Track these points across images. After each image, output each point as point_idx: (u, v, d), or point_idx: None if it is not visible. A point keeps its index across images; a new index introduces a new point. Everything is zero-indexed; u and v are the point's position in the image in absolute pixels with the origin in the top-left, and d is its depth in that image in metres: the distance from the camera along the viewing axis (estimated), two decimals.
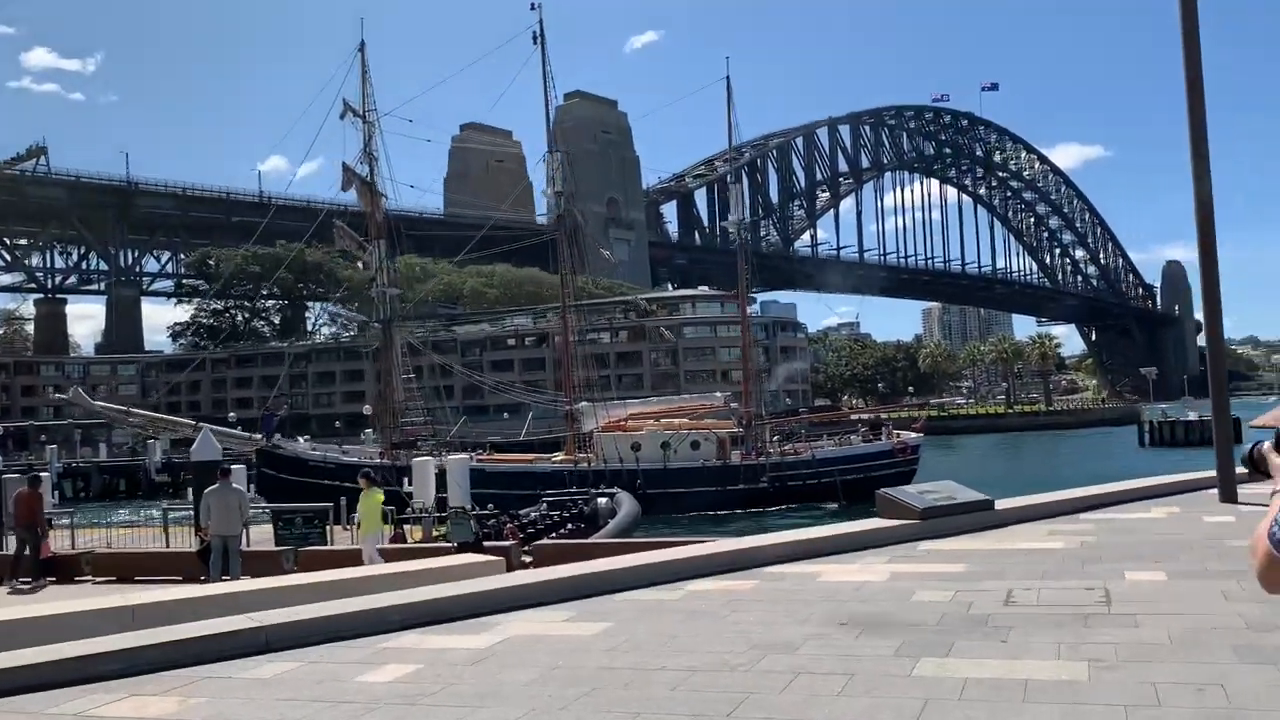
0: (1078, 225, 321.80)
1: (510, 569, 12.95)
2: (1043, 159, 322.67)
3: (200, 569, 16.27)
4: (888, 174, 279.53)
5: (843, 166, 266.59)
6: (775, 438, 54.67)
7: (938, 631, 6.65)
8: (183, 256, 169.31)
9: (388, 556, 16.27)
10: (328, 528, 21.67)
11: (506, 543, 15.95)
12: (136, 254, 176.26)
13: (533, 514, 24.35)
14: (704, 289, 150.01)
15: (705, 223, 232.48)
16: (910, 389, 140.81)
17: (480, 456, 50.89)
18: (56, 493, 57.70)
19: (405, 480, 28.22)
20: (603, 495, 27.05)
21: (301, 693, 6.08)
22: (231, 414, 76.63)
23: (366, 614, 7.85)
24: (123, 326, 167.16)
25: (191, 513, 23.25)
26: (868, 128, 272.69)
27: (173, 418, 55.79)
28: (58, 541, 20.25)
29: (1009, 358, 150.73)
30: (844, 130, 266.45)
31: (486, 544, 15.57)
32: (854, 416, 77.05)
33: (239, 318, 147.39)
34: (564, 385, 56.06)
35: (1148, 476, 14.60)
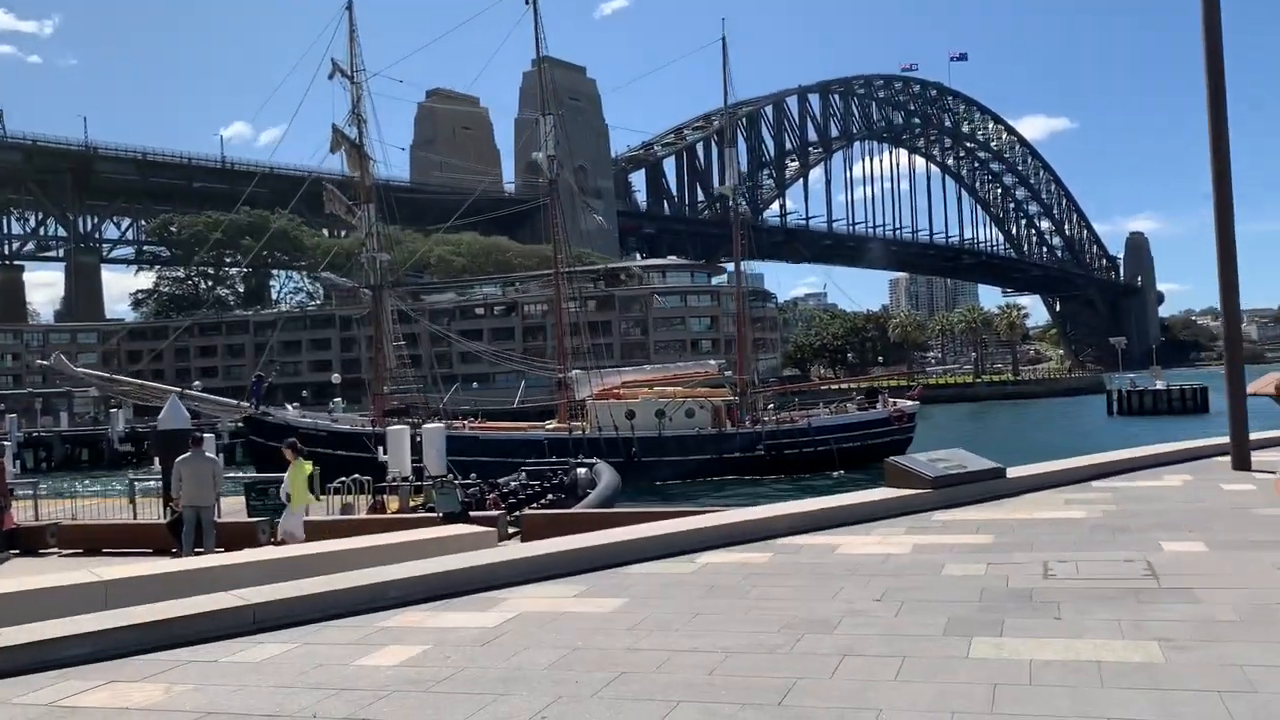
0: (1044, 196, 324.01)
1: (499, 540, 12.45)
2: (1010, 130, 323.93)
3: (171, 541, 15.65)
4: (857, 144, 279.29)
5: (812, 136, 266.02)
6: (770, 406, 54.50)
7: (982, 608, 6.21)
8: (144, 223, 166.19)
9: (367, 527, 15.68)
10: None
11: (493, 512, 15.44)
12: (96, 220, 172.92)
13: (512, 483, 23.84)
14: (673, 258, 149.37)
15: (674, 192, 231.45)
16: (880, 359, 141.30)
17: (473, 424, 50.47)
18: (18, 463, 56.47)
19: (380, 449, 27.52)
20: (582, 465, 26.57)
21: (298, 679, 5.54)
22: (196, 382, 75.24)
23: (362, 590, 7.31)
24: (83, 294, 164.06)
25: (160, 483, 22.57)
26: (837, 97, 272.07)
27: (158, 384, 54.66)
28: (21, 513, 19.50)
29: (978, 327, 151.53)
30: (814, 99, 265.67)
31: (472, 514, 15.05)
32: (848, 385, 76.97)
33: (202, 285, 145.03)
34: (557, 353, 55.60)
35: (1151, 444, 14.29)
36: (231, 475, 22.91)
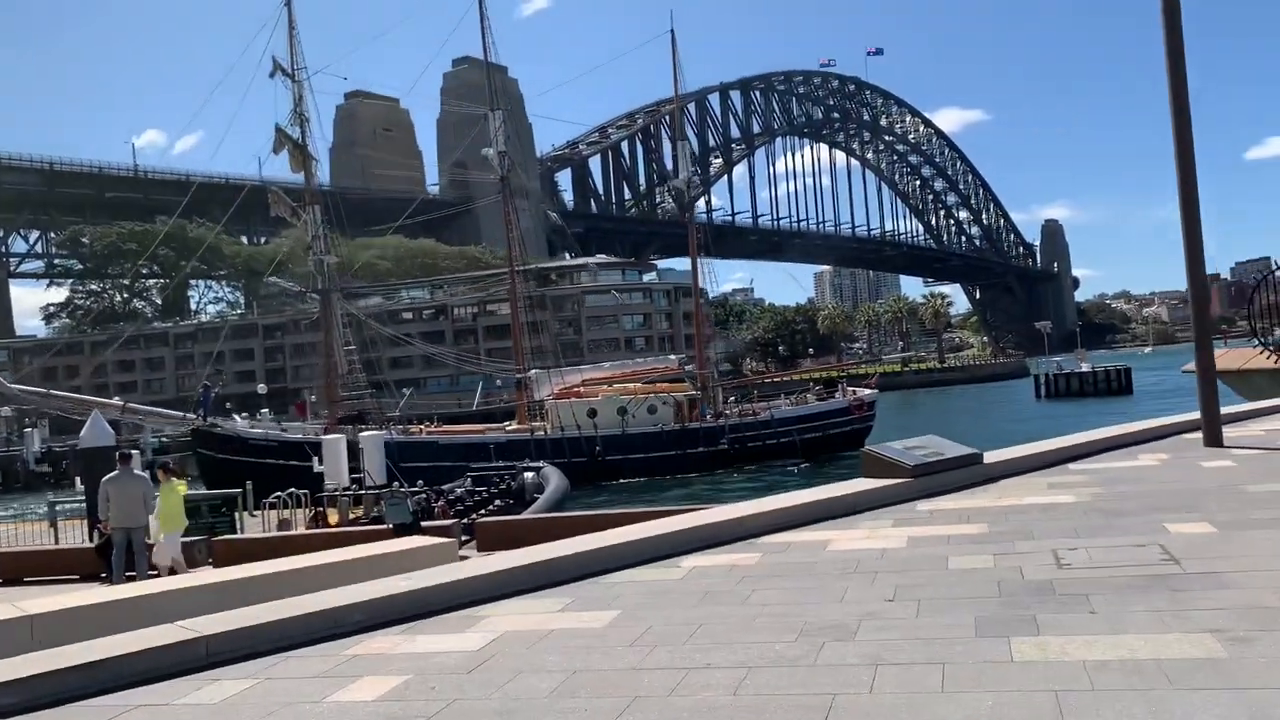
0: (961, 187, 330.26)
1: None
2: (927, 122, 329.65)
3: (100, 566, 14.69)
4: (779, 139, 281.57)
5: (735, 133, 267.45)
6: (730, 399, 54.30)
7: (1006, 604, 5.79)
8: (53, 235, 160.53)
9: (312, 544, 14.88)
10: (237, 515, 20.14)
11: (445, 522, 14.75)
12: (1, 233, 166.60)
13: (458, 490, 23.11)
14: (601, 257, 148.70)
15: (600, 191, 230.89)
16: (810, 350, 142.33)
17: (431, 429, 49.42)
18: None
19: (315, 459, 26.54)
20: (529, 469, 25.93)
21: None
22: (116, 398, 72.64)
23: (323, 615, 6.65)
24: None
25: (83, 504, 21.42)
26: (758, 93, 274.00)
27: (99, 399, 52.45)
28: None
29: (904, 317, 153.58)
30: (735, 96, 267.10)
31: (423, 524, 14.35)
32: (807, 376, 77.21)
33: (118, 298, 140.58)
34: (514, 352, 54.75)
35: (1117, 425, 14.13)
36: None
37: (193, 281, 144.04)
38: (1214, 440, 11.52)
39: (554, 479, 25.52)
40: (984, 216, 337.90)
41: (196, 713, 5.18)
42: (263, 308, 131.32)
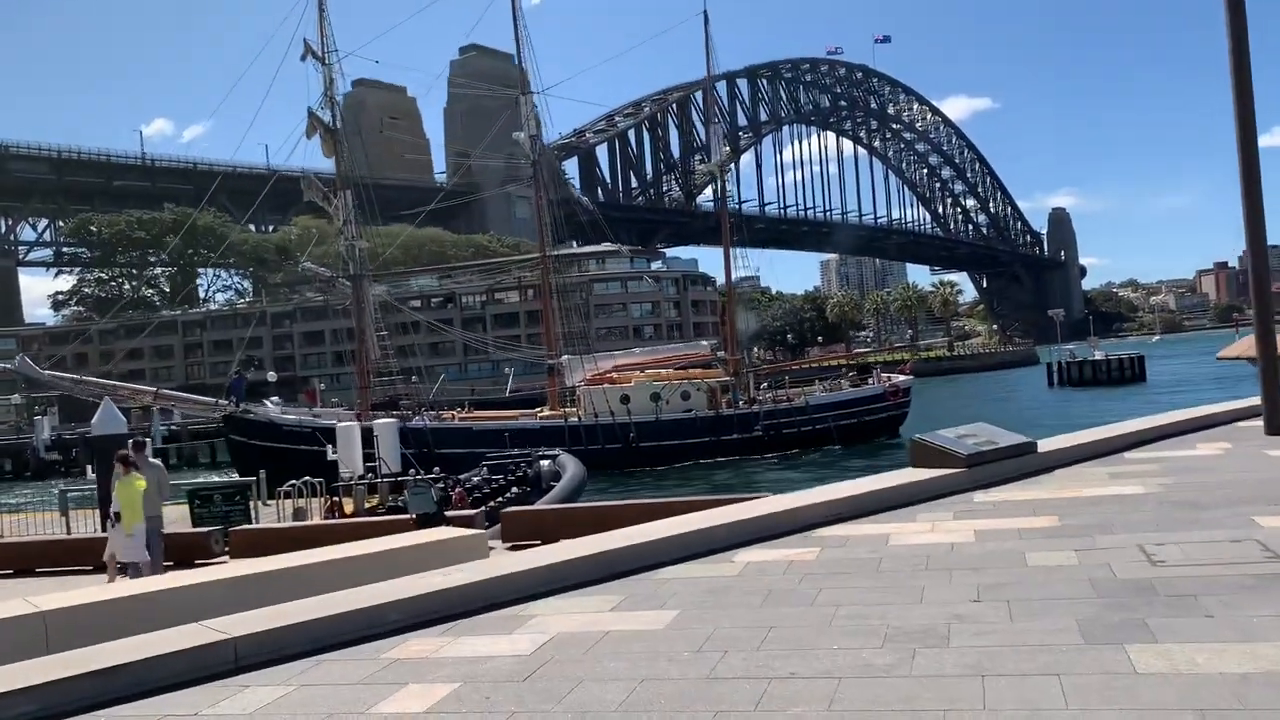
0: (968, 175, 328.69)
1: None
2: (934, 110, 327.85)
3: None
4: (785, 127, 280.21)
5: (742, 121, 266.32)
6: (763, 385, 53.79)
7: (1108, 606, 5.31)
8: (61, 224, 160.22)
9: (330, 535, 14.43)
10: (251, 504, 19.69)
11: (469, 512, 14.29)
12: (10, 221, 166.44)
13: (474, 478, 22.64)
14: (607, 245, 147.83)
15: (607, 179, 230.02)
16: (819, 339, 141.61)
17: (462, 415, 49.01)
18: None
19: (330, 447, 26.05)
20: (545, 456, 25.42)
21: None
22: (100, 387, 72.17)
23: (358, 615, 6.19)
24: None
25: (95, 493, 21.00)
26: (765, 81, 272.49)
27: (132, 385, 51.95)
28: None
29: (914, 305, 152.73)
30: (742, 84, 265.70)
31: (447, 514, 13.88)
32: (840, 362, 76.36)
33: (126, 286, 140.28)
34: (545, 339, 54.28)
35: (1169, 412, 13.61)
36: (178, 481, 21.31)
37: (201, 269, 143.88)
38: (1276, 429, 11.01)
39: (571, 466, 24.99)
40: (991, 205, 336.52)
41: None
42: (271, 296, 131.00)
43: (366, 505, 21.50)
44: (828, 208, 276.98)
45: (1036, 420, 45.43)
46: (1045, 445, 10.61)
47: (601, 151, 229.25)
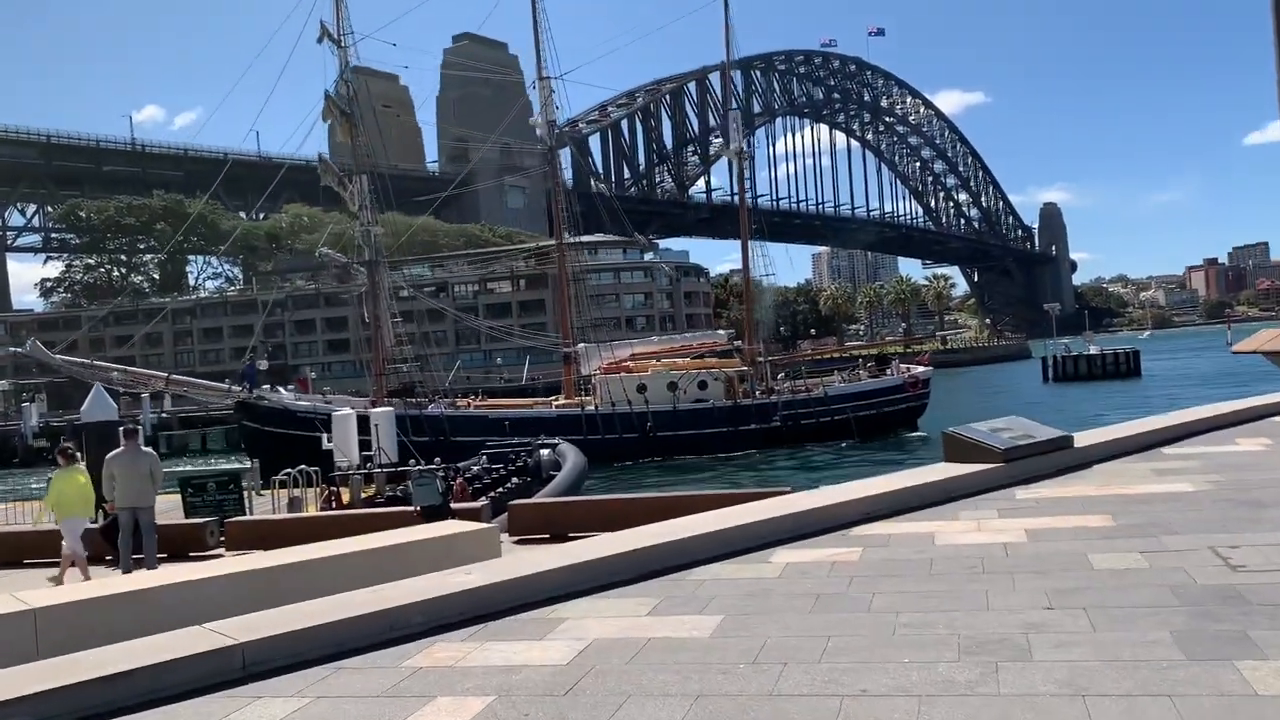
0: (961, 169, 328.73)
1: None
2: (928, 104, 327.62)
3: (106, 549, 13.75)
4: (779, 119, 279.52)
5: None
6: (780, 375, 53.27)
7: (1199, 615, 4.88)
8: (50, 209, 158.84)
9: (331, 527, 13.95)
10: (245, 493, 19.17)
11: (474, 504, 13.82)
12: None
13: (474, 468, 22.17)
14: (599, 236, 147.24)
15: (599, 169, 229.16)
16: (813, 330, 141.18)
17: (478, 403, 48.68)
18: None
19: (325, 436, 25.53)
20: (544, 446, 24.98)
21: None
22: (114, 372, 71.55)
23: (378, 617, 5.73)
24: None
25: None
26: (759, 73, 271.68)
27: (144, 370, 51.28)
28: None
29: (907, 298, 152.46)
30: (736, 75, 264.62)
31: (454, 505, 13.41)
32: (858, 352, 75.74)
33: (115, 272, 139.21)
34: (560, 326, 53.86)
35: (1197, 406, 13.22)
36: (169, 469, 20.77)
37: (190, 256, 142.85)
38: None
39: (571, 456, 24.56)
40: (983, 199, 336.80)
41: None
42: (261, 284, 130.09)
43: (363, 495, 21.01)
44: (821, 200, 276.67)
45: (1039, 414, 45.08)
46: (1081, 440, 10.20)
47: (594, 142, 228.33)
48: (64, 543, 13.33)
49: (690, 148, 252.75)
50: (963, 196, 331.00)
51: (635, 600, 6.07)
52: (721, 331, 59.86)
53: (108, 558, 13.69)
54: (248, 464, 24.59)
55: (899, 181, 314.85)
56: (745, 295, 59.48)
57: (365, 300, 49.73)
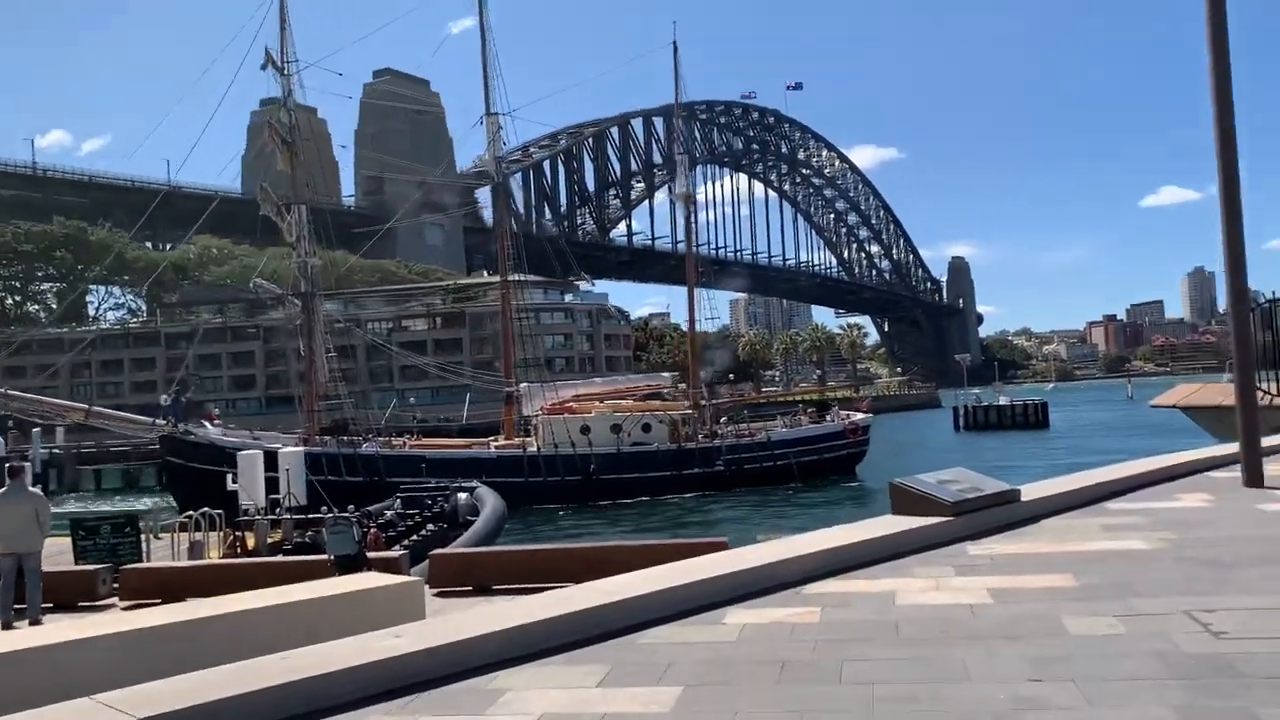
0: (873, 222, 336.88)
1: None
2: (842, 158, 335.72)
3: None
4: (700, 167, 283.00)
5: (656, 158, 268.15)
6: (722, 419, 53.18)
7: (1196, 689, 4.55)
8: None
9: (234, 574, 13.08)
10: (142, 537, 18.06)
11: (391, 553, 13.09)
12: None
13: (388, 513, 21.30)
14: (515, 276, 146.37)
15: (521, 210, 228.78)
16: (730, 376, 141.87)
17: (414, 442, 47.40)
18: None
19: (229, 476, 24.36)
20: (462, 490, 24.19)
21: None
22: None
23: (296, 687, 5.10)
24: None
25: None
26: (681, 120, 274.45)
27: (62, 401, 48.63)
28: None
29: (823, 346, 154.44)
30: (658, 122, 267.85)
31: (370, 555, 12.65)
32: (798, 398, 76.34)
33: (9, 300, 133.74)
34: (503, 366, 52.98)
35: (1134, 460, 13.18)
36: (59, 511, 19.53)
37: (92, 286, 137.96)
38: (1255, 480, 10.60)
39: (489, 501, 23.80)
40: (894, 251, 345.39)
41: None
42: (165, 316, 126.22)
43: (269, 541, 20.01)
44: (739, 247, 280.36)
45: (956, 463, 45.78)
46: (1026, 493, 9.98)
47: (515, 181, 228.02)
48: None
49: (612, 191, 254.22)
50: (875, 248, 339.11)
51: (583, 669, 5.54)
52: (665, 374, 60.03)
53: None
54: (147, 503, 23.34)
55: (814, 232, 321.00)
56: (690, 340, 59.89)
57: (300, 333, 48.43)
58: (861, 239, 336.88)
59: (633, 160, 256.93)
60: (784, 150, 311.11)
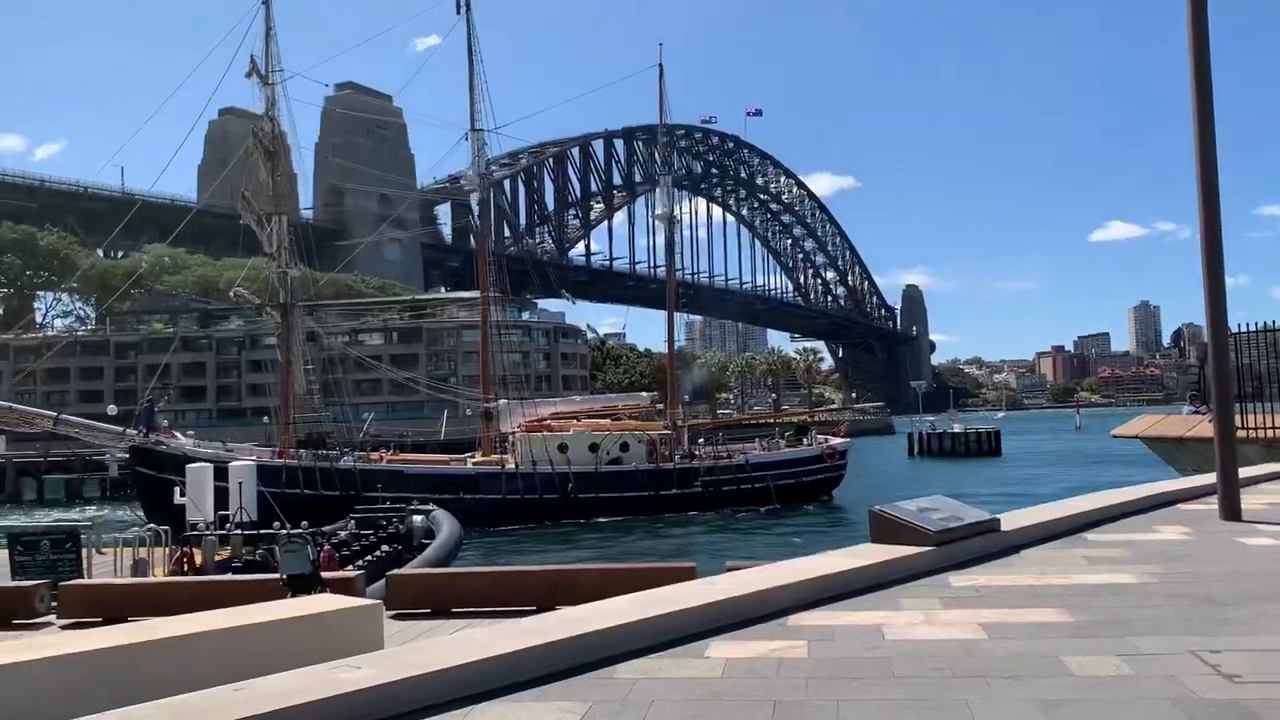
0: (829, 248, 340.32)
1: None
2: (800, 184, 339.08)
3: None
4: (658, 189, 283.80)
5: (617, 180, 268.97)
6: (699, 440, 53.13)
7: None
8: None
9: (179, 593, 12.49)
10: (83, 552, 17.34)
11: (346, 574, 12.57)
12: None
13: (341, 533, 20.71)
14: (475, 293, 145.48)
15: (479, 227, 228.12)
16: (686, 398, 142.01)
17: (391, 457, 46.89)
18: None
19: (177, 490, 23.63)
20: (418, 512, 23.64)
21: None
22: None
23: None
24: None
25: None
26: (641, 143, 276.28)
27: (30, 408, 47.10)
28: None
29: (778, 370, 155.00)
30: (619, 144, 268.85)
31: (324, 575, 12.12)
32: (774, 421, 76.63)
33: None
34: (482, 382, 52.59)
35: (1109, 491, 13.02)
36: None
37: (40, 293, 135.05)
38: (1233, 513, 10.46)
39: (446, 524, 23.25)
40: (849, 278, 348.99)
41: None
42: (116, 325, 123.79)
43: (216, 558, 19.34)
44: (696, 270, 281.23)
45: (902, 489, 46.03)
46: (1005, 523, 9.75)
47: (474, 198, 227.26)
48: None
49: (571, 211, 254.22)
50: (830, 274, 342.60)
51: (559, 706, 5.16)
52: (644, 394, 60.09)
53: None
54: (89, 514, 22.52)
55: (771, 256, 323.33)
56: (669, 361, 60.01)
57: (279, 344, 47.70)
58: (818, 265, 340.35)
59: (593, 180, 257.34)
60: (743, 175, 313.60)
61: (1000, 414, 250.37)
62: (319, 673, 5.36)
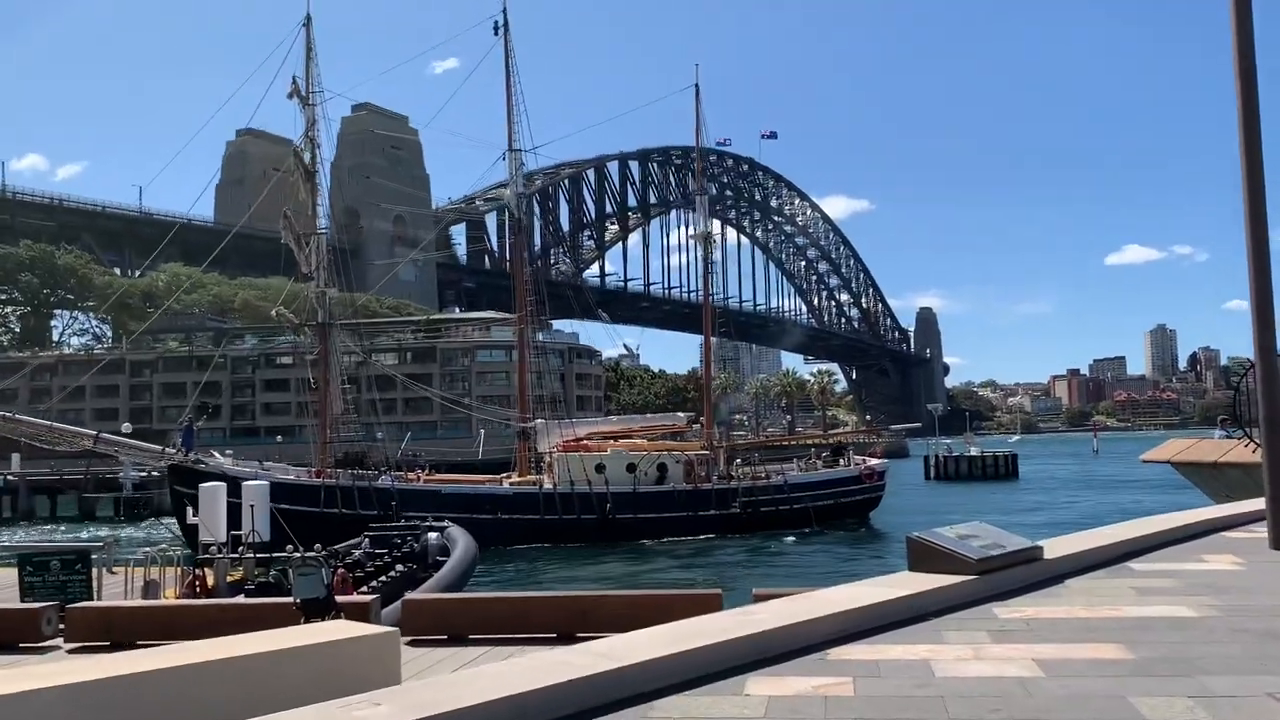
0: (844, 271, 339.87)
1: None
2: (815, 207, 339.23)
3: None
4: (674, 211, 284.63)
5: (631, 201, 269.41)
6: (736, 461, 52.85)
7: None
8: None
9: (190, 616, 12.17)
10: (94, 573, 17.05)
11: (361, 598, 12.22)
12: None
13: (356, 553, 20.38)
14: (491, 313, 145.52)
15: (495, 248, 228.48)
16: (701, 419, 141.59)
17: (428, 477, 46.81)
18: None
19: (190, 510, 23.33)
20: (433, 529, 23.29)
21: None
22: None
23: None
24: None
25: None
26: (655, 165, 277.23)
27: (72, 427, 47.23)
28: None
29: (793, 391, 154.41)
30: (633, 166, 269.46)
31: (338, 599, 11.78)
32: (809, 442, 76.24)
33: None
34: (519, 401, 52.66)
35: (1152, 517, 12.57)
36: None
37: (57, 311, 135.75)
38: None
39: (461, 541, 22.88)
40: (864, 300, 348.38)
41: None
42: (132, 344, 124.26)
43: (229, 580, 19.01)
44: (710, 292, 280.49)
45: (920, 512, 45.57)
46: (1046, 550, 9.35)
47: (491, 220, 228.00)
48: None
49: (586, 232, 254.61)
50: (844, 297, 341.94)
51: None
52: (681, 415, 59.98)
53: None
54: (103, 535, 22.25)
55: (785, 279, 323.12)
56: (705, 382, 60.13)
57: (316, 364, 47.84)
58: (831, 287, 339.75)
59: (608, 202, 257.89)
60: (757, 197, 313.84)
61: (1015, 437, 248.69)
62: (334, 709, 5.02)
